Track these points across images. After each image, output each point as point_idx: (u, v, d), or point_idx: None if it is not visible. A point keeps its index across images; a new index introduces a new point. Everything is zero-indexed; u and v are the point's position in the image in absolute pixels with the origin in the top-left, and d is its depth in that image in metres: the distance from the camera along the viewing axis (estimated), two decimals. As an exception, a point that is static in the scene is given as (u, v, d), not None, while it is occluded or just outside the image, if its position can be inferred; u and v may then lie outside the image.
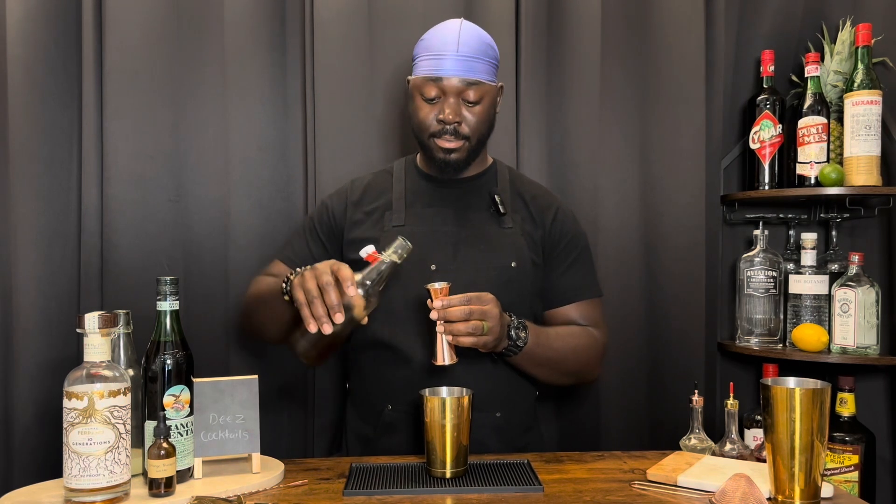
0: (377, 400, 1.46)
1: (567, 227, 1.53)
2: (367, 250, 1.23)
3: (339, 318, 1.16)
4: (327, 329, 1.16)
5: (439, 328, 1.23)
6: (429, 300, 1.24)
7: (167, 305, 1.16)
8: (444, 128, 1.40)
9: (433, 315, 1.23)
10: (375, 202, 1.50)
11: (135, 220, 1.71)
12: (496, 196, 1.48)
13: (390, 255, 1.23)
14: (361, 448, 1.48)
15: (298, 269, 1.27)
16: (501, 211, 1.47)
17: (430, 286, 1.24)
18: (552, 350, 1.42)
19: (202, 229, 1.74)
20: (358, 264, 1.46)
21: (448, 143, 1.41)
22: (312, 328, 1.16)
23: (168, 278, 1.16)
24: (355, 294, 1.17)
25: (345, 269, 1.18)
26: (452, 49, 1.37)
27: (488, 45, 1.42)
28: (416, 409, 1.40)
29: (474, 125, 1.41)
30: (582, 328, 1.50)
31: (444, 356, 1.24)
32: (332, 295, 1.16)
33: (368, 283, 1.21)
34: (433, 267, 1.42)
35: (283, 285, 1.30)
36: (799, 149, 1.85)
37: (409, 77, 1.45)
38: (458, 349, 1.26)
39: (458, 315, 1.22)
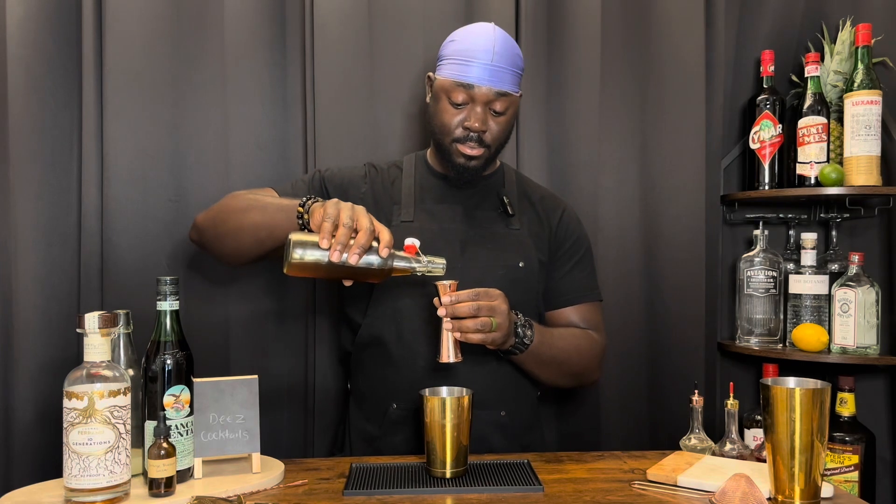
0: (382, 399, 1.46)
1: (572, 228, 1.54)
2: (413, 241, 1.21)
3: (355, 259, 1.14)
4: (336, 257, 1.13)
5: (447, 325, 1.22)
6: (436, 298, 1.24)
7: (167, 305, 1.16)
8: (469, 135, 1.40)
9: (441, 312, 1.22)
10: (386, 193, 1.50)
11: (135, 220, 1.71)
12: (504, 197, 1.49)
13: (425, 264, 1.22)
14: (366, 447, 1.48)
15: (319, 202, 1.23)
16: (510, 212, 1.48)
17: (438, 283, 1.23)
18: (556, 349, 1.42)
19: (202, 229, 1.74)
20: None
21: (470, 151, 1.41)
22: (325, 244, 1.13)
23: (168, 278, 1.16)
24: (382, 261, 1.16)
25: (388, 234, 1.17)
26: (487, 58, 1.36)
27: (518, 55, 1.42)
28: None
29: (497, 134, 1.42)
30: (583, 331, 1.50)
31: (450, 354, 1.24)
32: (365, 238, 1.14)
33: (390, 262, 1.19)
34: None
35: (306, 199, 1.25)
36: (799, 149, 1.85)
37: (433, 74, 1.44)
38: (463, 346, 1.25)
39: (466, 311, 1.22)
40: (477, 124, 1.38)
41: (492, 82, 1.37)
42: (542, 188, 1.61)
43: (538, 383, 1.52)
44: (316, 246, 1.14)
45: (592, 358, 1.50)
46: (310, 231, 1.21)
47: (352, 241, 1.14)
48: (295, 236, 1.16)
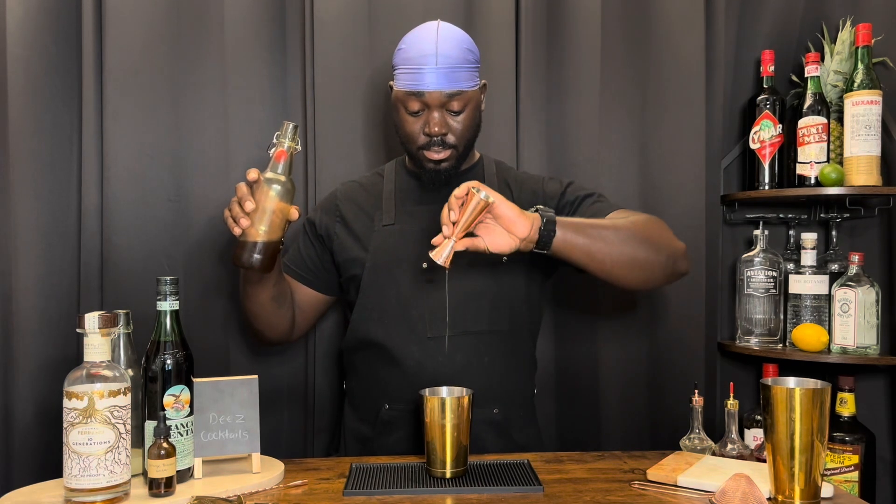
0: (374, 399, 1.46)
1: (553, 188, 1.50)
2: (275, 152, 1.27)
3: (244, 222, 1.22)
4: (236, 231, 1.24)
5: (448, 231, 1.18)
6: (434, 249, 1.20)
7: (167, 305, 1.16)
8: (432, 140, 1.40)
9: (447, 234, 1.18)
10: (366, 205, 1.51)
11: (135, 220, 1.71)
12: None
13: (290, 144, 1.26)
14: (359, 448, 1.49)
15: None
16: None
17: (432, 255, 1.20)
18: (594, 223, 1.32)
19: (202, 229, 1.74)
20: (349, 264, 1.47)
21: (437, 155, 1.41)
22: (236, 231, 1.25)
23: (168, 278, 1.16)
24: (249, 200, 1.23)
25: (239, 189, 1.24)
26: (431, 62, 1.36)
27: (467, 49, 1.39)
28: (414, 408, 1.40)
29: (460, 133, 1.41)
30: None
31: (443, 256, 1.18)
32: (235, 207, 1.24)
33: (272, 174, 1.25)
34: (424, 265, 1.42)
35: None
36: (799, 149, 1.85)
37: (391, 83, 1.44)
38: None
39: (446, 211, 1.19)
40: (436, 128, 1.38)
41: (440, 85, 1.36)
42: (523, 175, 1.57)
43: (533, 371, 1.52)
44: (242, 245, 1.26)
45: (651, 224, 1.38)
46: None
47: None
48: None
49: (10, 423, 1.64)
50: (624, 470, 1.26)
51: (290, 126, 1.26)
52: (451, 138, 1.40)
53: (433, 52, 1.36)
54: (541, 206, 1.27)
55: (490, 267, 1.43)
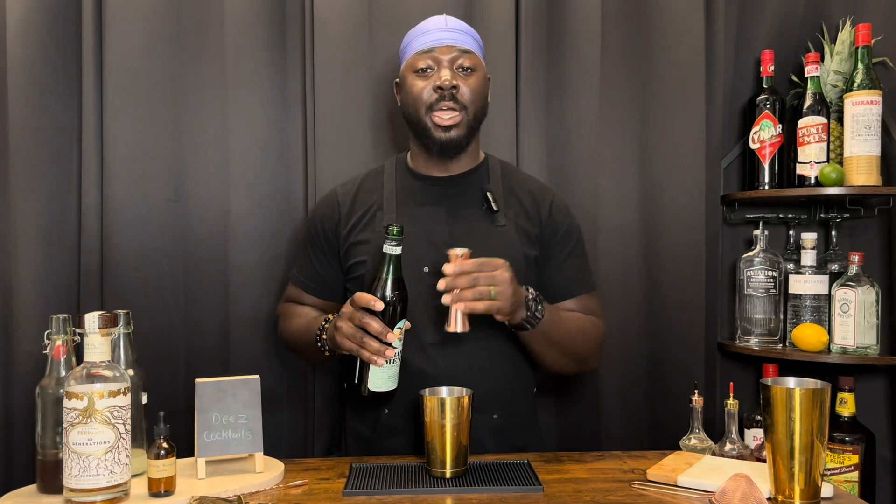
0: (375, 403, 1.45)
1: (561, 219, 1.51)
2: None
3: (390, 353, 1.24)
4: (390, 353, 1.24)
5: (445, 298, 1.23)
6: (445, 265, 1.23)
7: (399, 250, 1.25)
8: (442, 95, 1.38)
9: (440, 285, 1.22)
10: (367, 203, 1.49)
11: (135, 220, 1.71)
12: (488, 193, 1.46)
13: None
14: (360, 448, 1.48)
15: (326, 320, 1.38)
16: (494, 208, 1.45)
17: (451, 251, 1.24)
18: (564, 330, 1.41)
19: (202, 229, 1.74)
20: (359, 266, 1.47)
21: (447, 117, 1.39)
22: (381, 362, 1.24)
23: (396, 227, 1.24)
24: (390, 332, 1.23)
25: (368, 321, 1.23)
26: (441, 24, 1.42)
27: (475, 34, 1.48)
28: (414, 411, 1.40)
29: (470, 95, 1.41)
30: (587, 316, 1.49)
31: (457, 323, 1.24)
32: (376, 344, 1.24)
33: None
34: (426, 269, 1.41)
35: (317, 342, 1.39)
36: (799, 149, 1.85)
37: (397, 80, 1.45)
38: (472, 318, 1.26)
39: (464, 282, 1.22)
40: (447, 80, 1.38)
41: (452, 41, 1.40)
42: (529, 179, 1.57)
43: (533, 374, 1.52)
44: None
45: (596, 343, 1.50)
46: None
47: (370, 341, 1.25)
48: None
49: (10, 423, 1.64)
50: (624, 470, 1.26)
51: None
52: (461, 96, 1.40)
53: (443, 20, 1.44)
54: (533, 299, 1.32)
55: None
